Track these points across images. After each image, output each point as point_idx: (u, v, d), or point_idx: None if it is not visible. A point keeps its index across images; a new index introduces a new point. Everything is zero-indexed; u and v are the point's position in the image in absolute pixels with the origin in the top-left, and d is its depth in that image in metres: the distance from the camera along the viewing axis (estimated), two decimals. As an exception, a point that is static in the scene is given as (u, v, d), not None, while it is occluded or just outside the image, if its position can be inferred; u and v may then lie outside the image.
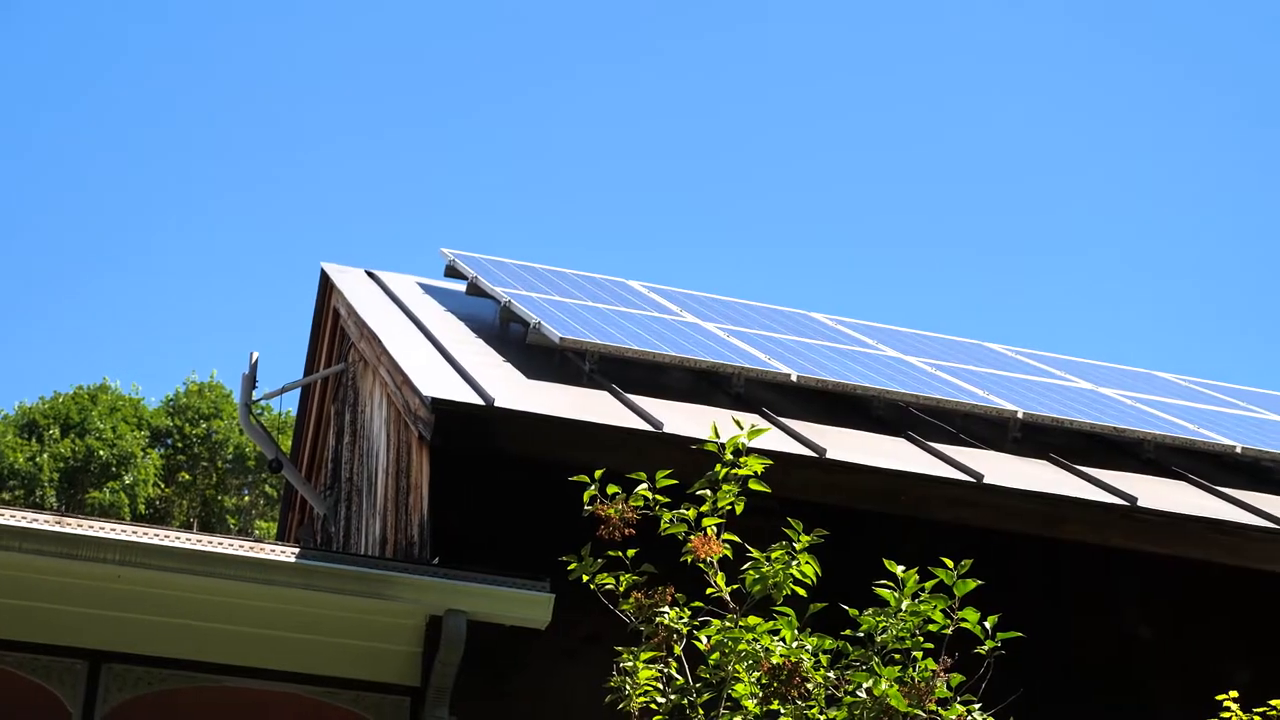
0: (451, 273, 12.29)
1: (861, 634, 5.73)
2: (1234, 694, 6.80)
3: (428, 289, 12.52)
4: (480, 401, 8.39)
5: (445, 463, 8.55)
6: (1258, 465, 10.80)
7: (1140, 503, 9.07)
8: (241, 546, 7.88)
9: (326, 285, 12.64)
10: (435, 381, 8.75)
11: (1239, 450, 10.51)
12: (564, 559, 6.10)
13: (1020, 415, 10.20)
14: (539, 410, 8.52)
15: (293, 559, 7.85)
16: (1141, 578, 9.38)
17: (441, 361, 9.48)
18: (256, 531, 29.65)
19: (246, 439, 29.89)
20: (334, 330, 12.62)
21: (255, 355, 12.11)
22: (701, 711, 5.76)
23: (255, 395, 12.16)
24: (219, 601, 7.99)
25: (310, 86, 41.96)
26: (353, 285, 12.15)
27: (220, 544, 7.84)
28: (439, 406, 8.25)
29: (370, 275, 12.73)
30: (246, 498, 31.81)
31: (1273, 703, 6.81)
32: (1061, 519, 8.97)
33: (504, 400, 8.47)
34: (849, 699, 5.58)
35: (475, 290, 11.75)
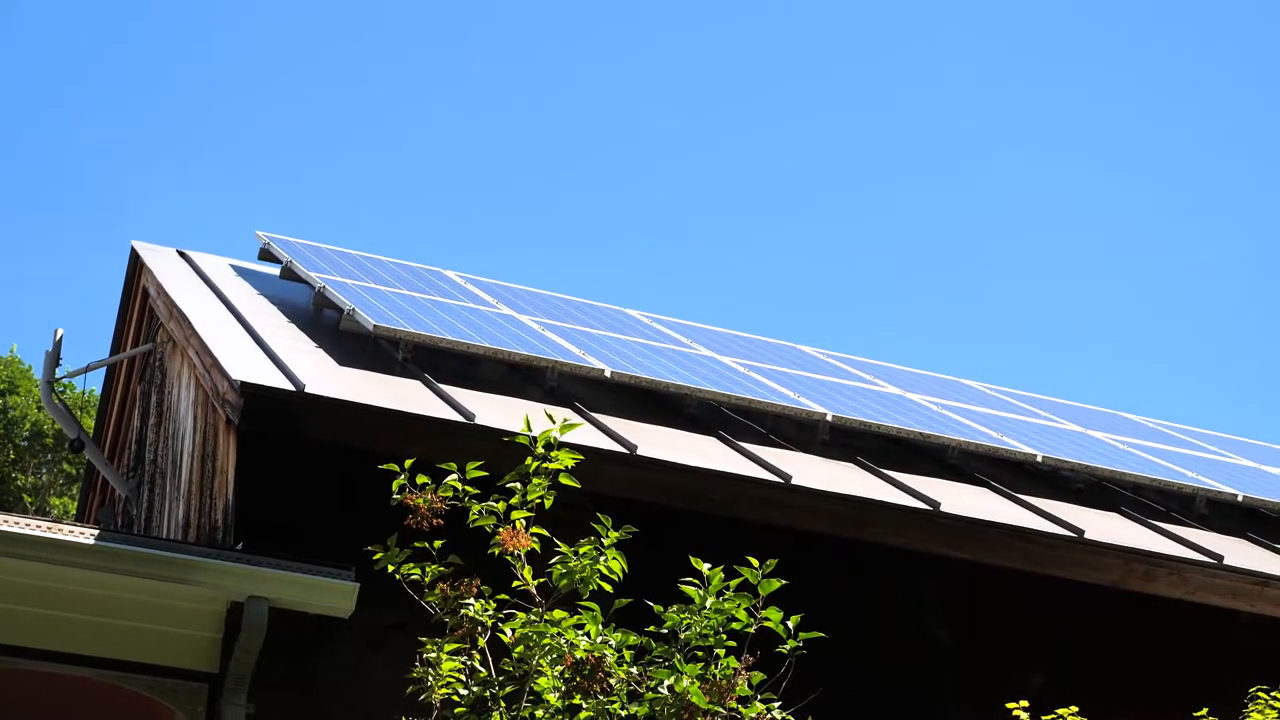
0: (266, 256, 12.13)
1: (666, 631, 5.76)
2: (1024, 703, 6.93)
3: (241, 272, 12.35)
4: (290, 387, 8.29)
5: (252, 448, 8.43)
6: (1057, 474, 11.03)
7: (943, 507, 9.22)
8: (38, 526, 7.70)
9: (136, 264, 12.41)
10: (245, 365, 8.63)
11: (1040, 459, 10.72)
12: (370, 548, 6.05)
13: (829, 418, 10.31)
14: (350, 398, 8.44)
15: (91, 540, 7.69)
16: (943, 581, 9.53)
17: (252, 345, 9.36)
18: (53, 510, 29.03)
19: (46, 416, 29.25)
20: (143, 310, 12.40)
21: (60, 332, 11.87)
22: (503, 704, 5.75)
23: (58, 373, 11.92)
24: (12, 582, 7.79)
25: (134, 59, 41.17)
26: (163, 265, 11.94)
27: (15, 523, 7.65)
28: (248, 390, 8.14)
29: (182, 255, 12.52)
30: (45, 476, 31.15)
31: (1060, 711, 6.96)
32: (866, 521, 9.09)
33: (315, 386, 8.38)
34: (651, 695, 5.61)
35: (289, 275, 11.61)
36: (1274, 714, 7.04)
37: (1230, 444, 13.64)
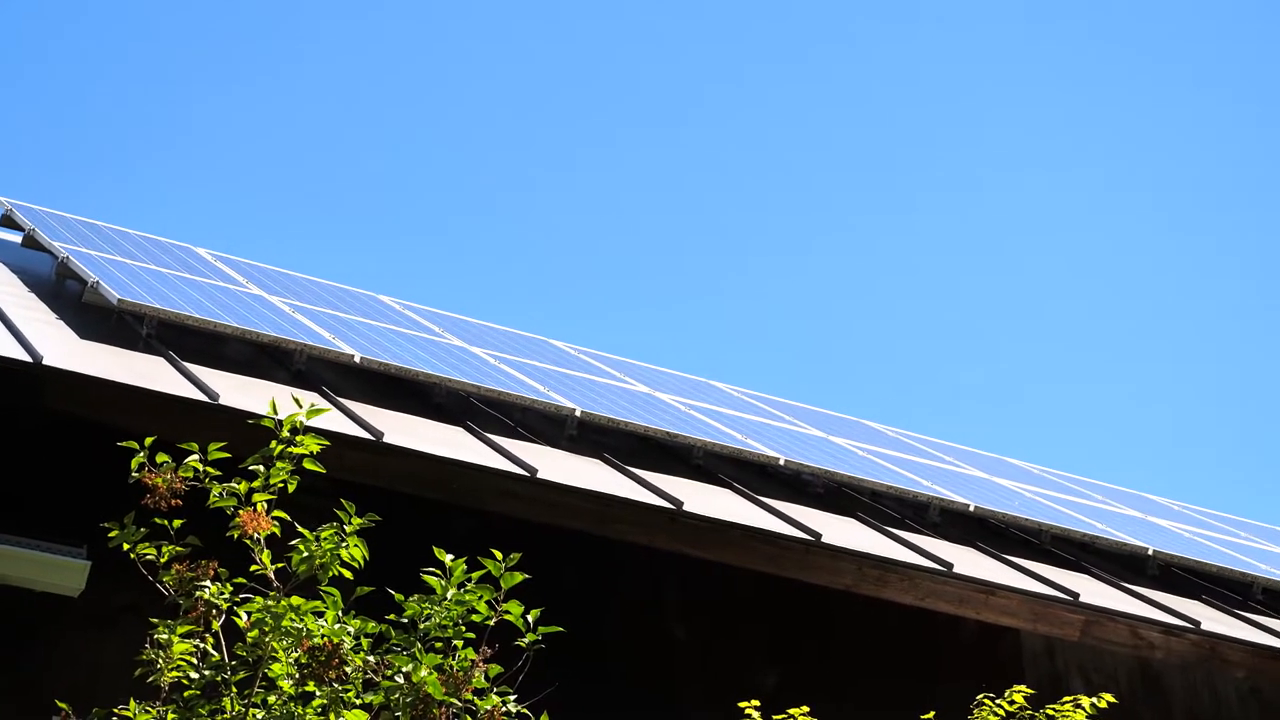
0: (8, 223, 11.79)
1: (406, 620, 5.73)
2: (756, 702, 7.03)
3: (-20, 237, 11.98)
4: (27, 358, 8.07)
5: (-15, 419, 8.19)
6: (799, 478, 11.21)
7: (686, 507, 9.30)
8: None
9: None
10: (-20, 333, 8.37)
11: (782, 462, 10.89)
12: (106, 525, 5.92)
13: (578, 413, 10.34)
14: (89, 372, 8.24)
15: None
16: (684, 580, 9.62)
17: (-11, 313, 9.09)
18: None
19: None
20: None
21: None
22: (235, 689, 5.66)
23: None
24: None
25: None
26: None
27: None
28: (-18, 360, 7.90)
29: (-84, 217, 12.11)
30: None
31: (792, 711, 7.07)
32: (611, 518, 9.14)
33: (53, 359, 8.17)
34: (387, 684, 5.58)
35: (32, 243, 11.30)
36: None
37: (965, 455, 14.00)
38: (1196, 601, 11.33)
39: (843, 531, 10.08)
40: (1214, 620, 10.79)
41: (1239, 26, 26.49)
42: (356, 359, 9.87)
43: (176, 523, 5.81)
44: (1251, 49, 26.66)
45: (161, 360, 9.09)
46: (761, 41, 27.19)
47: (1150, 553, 11.69)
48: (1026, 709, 7.25)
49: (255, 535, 5.75)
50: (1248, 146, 27.01)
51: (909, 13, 26.61)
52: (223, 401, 8.36)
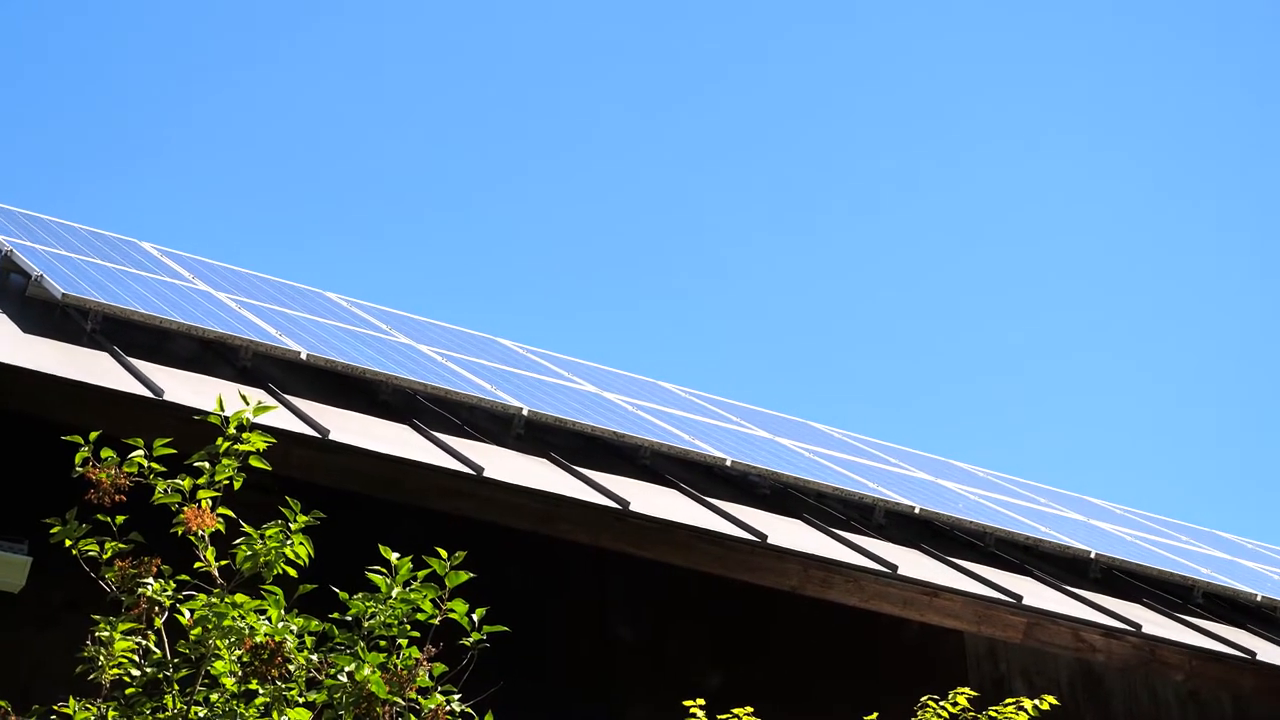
0: (-49, 214, 11.70)
1: (350, 618, 5.71)
2: (700, 701, 7.04)
3: (-77, 229, 11.88)
4: (-29, 352, 8.01)
5: (-74, 413, 8.12)
6: (745, 479, 11.23)
7: (632, 506, 9.31)
8: None
9: None
10: (-77, 326, 8.31)
11: (729, 463, 10.91)
12: (48, 520, 5.87)
13: (525, 412, 10.33)
14: (33, 366, 8.18)
15: None
16: (629, 580, 9.63)
17: (-69, 306, 9.02)
18: None
19: None
20: None
21: None
22: (177, 687, 5.63)
23: None
24: None
25: None
26: None
27: None
28: (-75, 353, 7.84)
29: None
30: None
31: (736, 711, 7.08)
32: (557, 517, 9.13)
33: (-3, 352, 8.11)
34: (330, 682, 5.55)
35: (-25, 235, 11.21)
36: (939, 722, 7.27)
37: (910, 457, 14.06)
38: (1138, 604, 11.41)
39: (788, 532, 10.10)
40: (1155, 623, 10.87)
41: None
42: (303, 356, 9.83)
43: (120, 519, 5.78)
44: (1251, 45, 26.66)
45: (106, 356, 9.03)
46: (713, 43, 27.22)
47: (1093, 556, 11.76)
48: (969, 711, 7.29)
49: (199, 532, 5.72)
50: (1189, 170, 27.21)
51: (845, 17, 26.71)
52: (168, 398, 8.32)
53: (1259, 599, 12.24)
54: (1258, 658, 10.81)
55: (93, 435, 5.81)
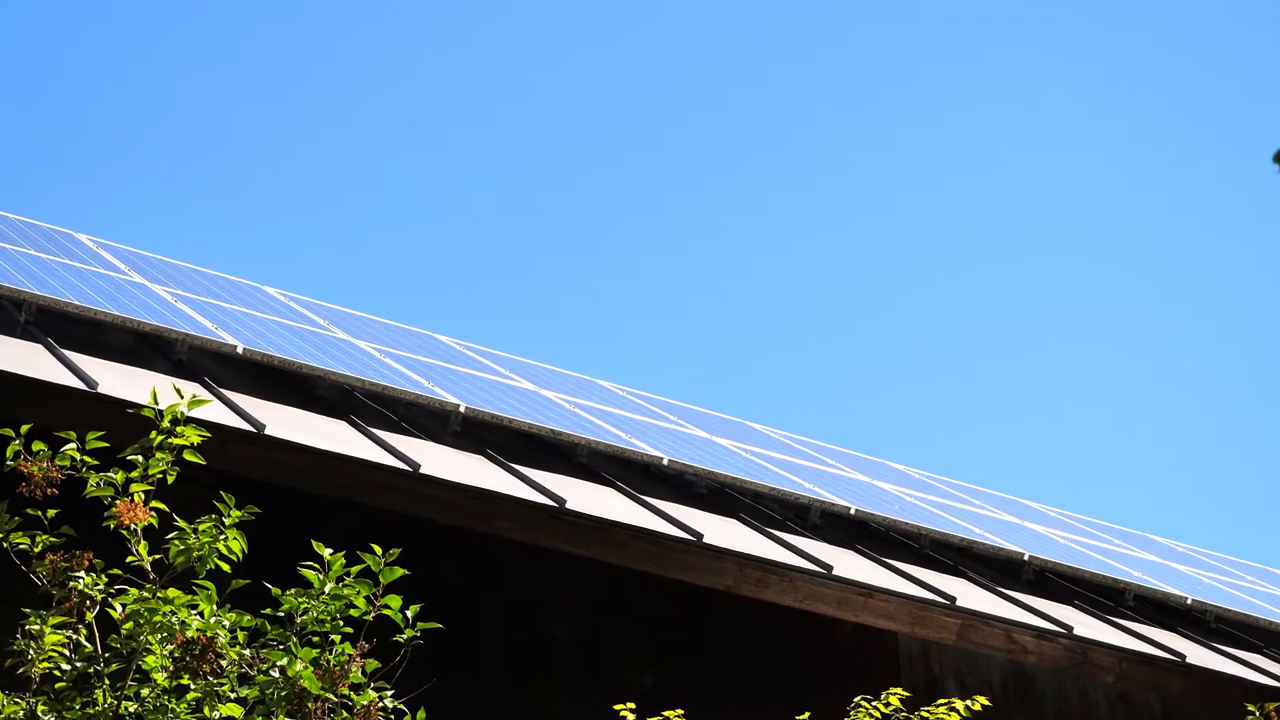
0: (-116, 203, 11.59)
1: (283, 614, 5.69)
2: (631, 705, 7.05)
3: None
4: (-98, 342, 7.94)
5: None
6: (682, 478, 11.25)
7: (569, 505, 9.31)
8: None
9: None
10: None
11: (666, 462, 10.92)
12: (-24, 514, 5.83)
13: (462, 409, 10.32)
14: (-34, 357, 8.12)
15: None
16: (565, 579, 9.62)
17: None
18: None
19: None
20: None
21: None
22: (108, 682, 5.61)
23: None
24: None
25: None
26: None
27: None
28: None
29: None
30: None
31: (668, 714, 7.10)
32: (493, 514, 9.12)
33: (-71, 343, 8.04)
34: (262, 678, 5.54)
35: (-92, 224, 11.12)
36: (871, 722, 7.30)
37: (846, 458, 14.11)
38: (1070, 606, 11.48)
39: (724, 532, 10.12)
40: (1086, 625, 10.95)
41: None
42: (239, 350, 9.79)
43: (51, 512, 5.74)
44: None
45: (39, 347, 8.97)
46: (650, 35, 27.23)
47: (1026, 558, 11.84)
48: (902, 711, 7.33)
49: (132, 526, 5.69)
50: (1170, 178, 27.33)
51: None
52: (102, 390, 8.27)
53: (1189, 602, 12.34)
54: (1188, 660, 10.91)
55: (24, 428, 5.78)
